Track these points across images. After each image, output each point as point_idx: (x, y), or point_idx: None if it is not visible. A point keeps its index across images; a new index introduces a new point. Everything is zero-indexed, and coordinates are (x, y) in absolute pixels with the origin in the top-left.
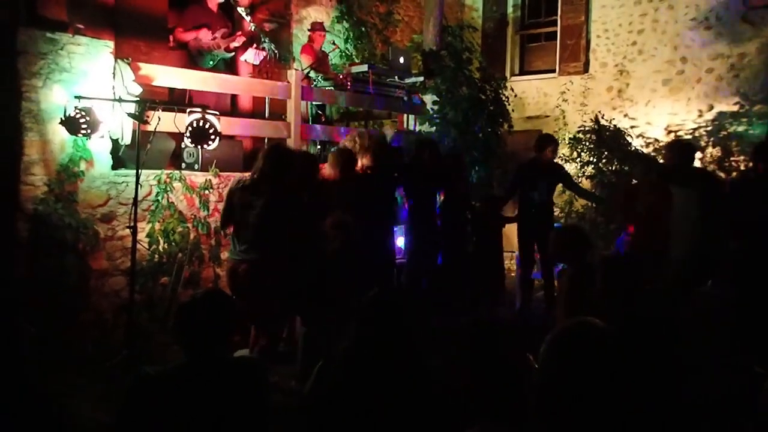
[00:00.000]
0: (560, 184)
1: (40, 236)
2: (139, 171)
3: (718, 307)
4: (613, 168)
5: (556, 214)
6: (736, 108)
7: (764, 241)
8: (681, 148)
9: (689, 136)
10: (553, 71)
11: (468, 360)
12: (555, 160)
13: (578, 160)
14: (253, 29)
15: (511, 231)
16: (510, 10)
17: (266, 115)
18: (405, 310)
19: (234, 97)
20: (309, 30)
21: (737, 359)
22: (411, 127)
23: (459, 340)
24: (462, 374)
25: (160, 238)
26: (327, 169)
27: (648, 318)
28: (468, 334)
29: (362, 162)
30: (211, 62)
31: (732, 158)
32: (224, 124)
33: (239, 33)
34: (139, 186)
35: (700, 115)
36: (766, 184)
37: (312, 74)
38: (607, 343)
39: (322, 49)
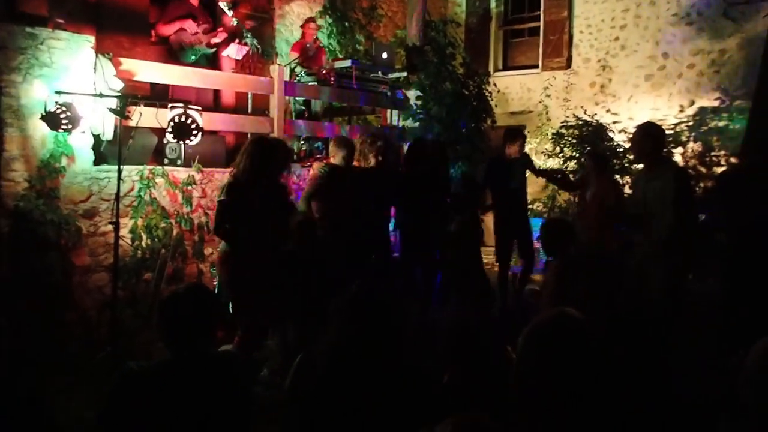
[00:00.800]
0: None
1: (21, 233)
2: (121, 167)
3: (704, 308)
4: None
5: (540, 208)
6: (717, 103)
7: (755, 236)
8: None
9: (671, 131)
10: (536, 67)
11: (448, 354)
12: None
13: (561, 155)
14: (235, 24)
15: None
16: (493, 5)
17: (249, 110)
18: (387, 305)
19: (217, 92)
20: (301, 26)
21: (724, 361)
22: (395, 122)
23: (439, 336)
24: (443, 368)
25: (143, 233)
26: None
27: (631, 319)
28: (446, 329)
29: (373, 161)
30: (192, 57)
31: (713, 153)
32: (206, 120)
33: (221, 28)
34: (122, 182)
35: (681, 111)
36: (757, 177)
37: (297, 69)
38: (586, 334)
39: (317, 41)
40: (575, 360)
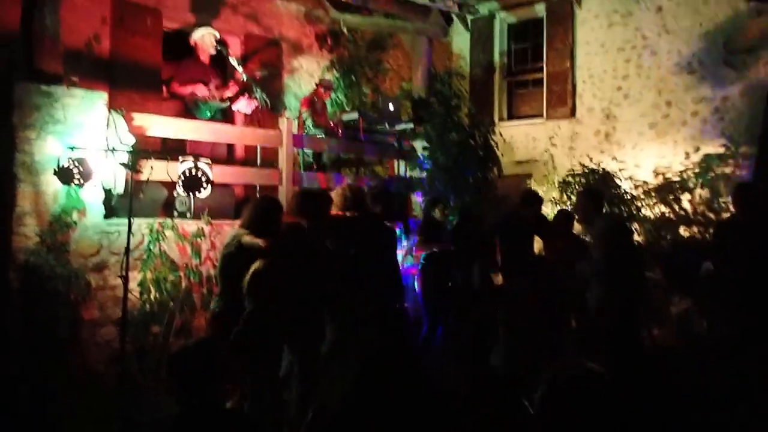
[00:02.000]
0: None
1: (31, 287)
2: (131, 220)
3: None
4: (604, 211)
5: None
6: (722, 150)
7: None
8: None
9: (677, 178)
10: (541, 116)
11: (467, 414)
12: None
13: (568, 203)
14: (245, 79)
15: None
16: (497, 57)
17: (258, 162)
18: (407, 359)
19: (230, 145)
20: (316, 84)
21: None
22: (402, 173)
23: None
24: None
25: (151, 287)
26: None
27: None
28: (465, 389)
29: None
30: (208, 113)
31: (722, 199)
32: (216, 173)
33: (231, 83)
34: (131, 235)
35: (687, 157)
36: (746, 226)
37: (307, 122)
38: (606, 389)
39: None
40: (595, 415)
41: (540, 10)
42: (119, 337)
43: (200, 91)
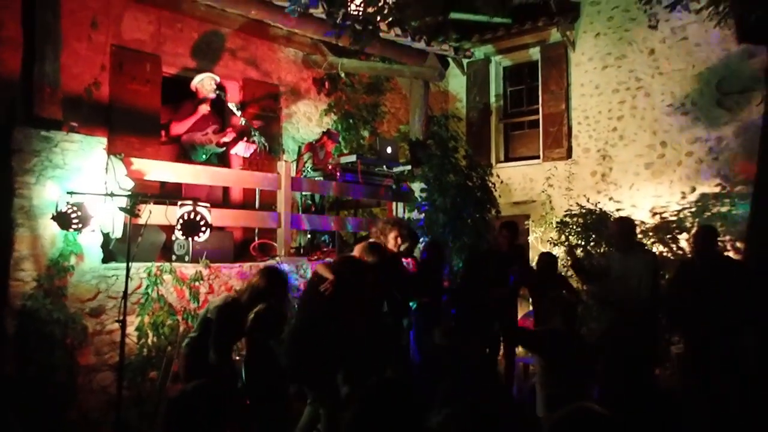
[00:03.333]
0: None
1: (28, 332)
2: (130, 264)
3: None
4: (602, 250)
5: None
6: (717, 189)
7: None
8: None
9: (674, 218)
10: (538, 157)
11: None
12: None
13: (566, 243)
14: (243, 123)
15: None
16: (493, 100)
17: (257, 205)
18: (412, 405)
19: (226, 188)
20: (323, 132)
21: None
22: (400, 215)
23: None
24: None
25: (149, 331)
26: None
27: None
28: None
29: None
30: (203, 156)
31: (719, 239)
32: (215, 216)
33: (230, 128)
34: (129, 279)
35: (683, 197)
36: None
37: (307, 164)
38: (609, 428)
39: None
40: None
41: (535, 53)
42: (116, 383)
43: (200, 126)
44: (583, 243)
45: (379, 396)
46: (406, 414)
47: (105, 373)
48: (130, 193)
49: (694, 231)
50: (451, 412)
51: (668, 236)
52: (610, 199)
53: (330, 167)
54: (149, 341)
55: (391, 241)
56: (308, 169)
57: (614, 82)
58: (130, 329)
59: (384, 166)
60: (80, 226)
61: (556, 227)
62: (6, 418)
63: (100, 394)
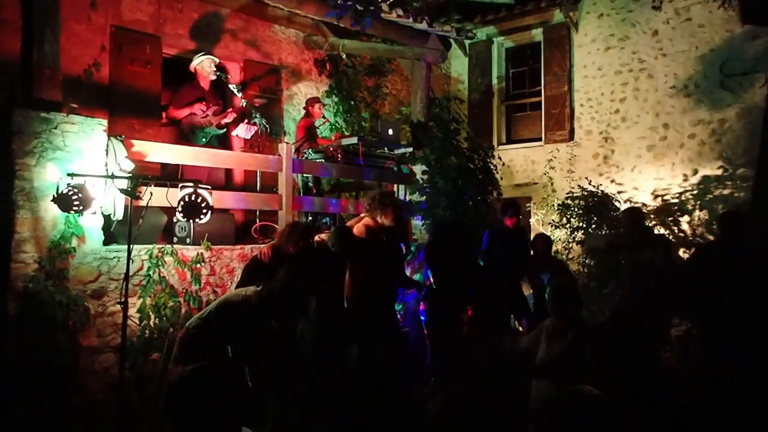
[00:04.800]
0: None
1: (30, 314)
2: (131, 246)
3: None
4: (603, 233)
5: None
6: (720, 172)
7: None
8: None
9: (676, 200)
10: (540, 140)
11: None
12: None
13: (568, 225)
14: (244, 105)
15: None
16: (495, 81)
17: (258, 187)
18: (396, 389)
19: (228, 171)
20: (304, 107)
21: None
22: (402, 197)
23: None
24: None
25: (151, 313)
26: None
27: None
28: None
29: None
30: (203, 139)
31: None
32: (216, 198)
33: (230, 109)
34: (131, 261)
35: (685, 179)
36: (723, 253)
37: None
38: (604, 412)
39: (315, 122)
40: None
41: (537, 34)
42: (118, 365)
43: (198, 108)
44: (584, 225)
45: (358, 388)
46: (386, 400)
47: (107, 355)
48: (130, 175)
49: (721, 214)
50: (448, 396)
51: (670, 219)
52: (612, 181)
53: (331, 149)
54: (151, 323)
55: (380, 218)
56: (309, 151)
57: (617, 63)
58: (132, 311)
59: (385, 148)
60: (81, 208)
61: (558, 209)
62: (10, 405)
63: (103, 375)
